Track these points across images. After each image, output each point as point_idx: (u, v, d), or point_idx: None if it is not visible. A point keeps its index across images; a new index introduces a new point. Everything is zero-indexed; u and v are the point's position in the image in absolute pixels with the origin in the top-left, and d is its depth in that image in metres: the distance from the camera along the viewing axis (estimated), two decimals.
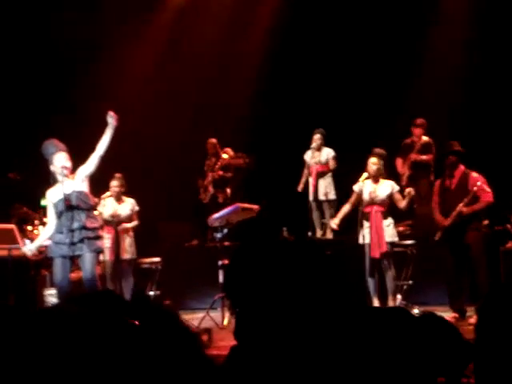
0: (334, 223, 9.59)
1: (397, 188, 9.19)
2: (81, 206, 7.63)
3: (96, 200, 8.54)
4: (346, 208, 9.34)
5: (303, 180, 11.41)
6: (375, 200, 9.04)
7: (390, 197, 9.09)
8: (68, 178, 7.64)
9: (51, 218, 7.81)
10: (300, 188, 11.44)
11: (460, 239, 8.71)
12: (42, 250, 10.13)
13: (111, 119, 7.60)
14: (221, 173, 12.31)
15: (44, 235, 8.04)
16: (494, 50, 12.13)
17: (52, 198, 7.73)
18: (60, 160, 7.61)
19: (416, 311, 8.71)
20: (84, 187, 7.74)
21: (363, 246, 9.02)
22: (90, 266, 7.61)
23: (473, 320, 8.32)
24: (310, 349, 1.64)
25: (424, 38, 12.52)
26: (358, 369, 1.63)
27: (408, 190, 9.22)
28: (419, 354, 1.58)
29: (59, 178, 7.63)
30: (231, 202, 11.14)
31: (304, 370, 1.63)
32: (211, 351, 7.22)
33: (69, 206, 7.55)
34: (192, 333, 1.10)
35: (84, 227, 7.59)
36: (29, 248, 8.09)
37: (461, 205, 8.65)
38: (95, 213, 8.46)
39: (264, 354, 1.68)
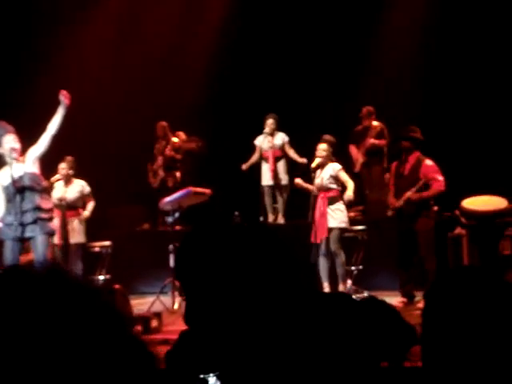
0: (298, 181, 9.43)
1: (338, 167, 9.14)
2: (35, 187, 7.54)
3: (46, 183, 8.42)
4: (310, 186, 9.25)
5: (251, 161, 11.38)
6: (322, 186, 9.06)
7: (335, 179, 9.10)
8: (17, 161, 7.52)
9: (1, 201, 7.67)
10: (245, 166, 11.39)
11: (410, 225, 8.80)
12: None
13: (63, 98, 7.51)
14: (172, 153, 12.24)
15: None
16: (446, 36, 12.24)
17: (2, 180, 7.60)
18: (8, 142, 7.50)
19: (366, 295, 8.80)
20: (35, 169, 7.64)
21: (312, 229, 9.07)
22: (42, 248, 7.52)
23: (421, 305, 8.43)
24: (258, 333, 1.64)
25: (374, 23, 12.57)
26: (302, 353, 1.63)
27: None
28: (361, 339, 1.59)
29: (8, 160, 7.52)
30: (181, 186, 11.08)
31: (251, 354, 1.63)
32: (161, 335, 7.23)
33: (20, 188, 7.44)
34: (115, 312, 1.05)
35: (38, 208, 7.49)
36: None
37: (410, 191, 8.73)
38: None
39: (213, 339, 1.67)
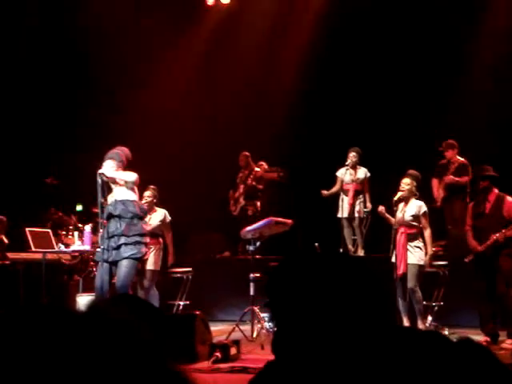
0: (381, 209, 9.21)
1: (424, 209, 9.00)
2: (122, 215, 7.75)
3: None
4: (392, 218, 9.14)
5: (332, 191, 11.38)
6: (404, 221, 8.94)
7: (418, 218, 9.01)
8: (119, 185, 7.80)
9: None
10: (326, 193, 11.39)
11: (491, 263, 8.63)
12: (75, 255, 10.25)
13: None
14: (253, 183, 12.36)
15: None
16: None
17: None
18: (103, 167, 7.73)
19: (446, 333, 8.65)
20: (130, 195, 7.84)
21: (393, 264, 8.97)
22: (122, 273, 7.65)
23: (505, 345, 8.24)
24: (345, 367, 1.65)
25: (459, 59, 12.47)
26: None
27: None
28: (455, 381, 1.58)
29: (111, 186, 7.81)
30: (261, 214, 11.14)
31: None
32: (239, 363, 7.27)
33: (108, 215, 7.71)
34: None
35: (122, 234, 7.69)
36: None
37: (497, 235, 8.56)
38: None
39: (299, 370, 1.69)
